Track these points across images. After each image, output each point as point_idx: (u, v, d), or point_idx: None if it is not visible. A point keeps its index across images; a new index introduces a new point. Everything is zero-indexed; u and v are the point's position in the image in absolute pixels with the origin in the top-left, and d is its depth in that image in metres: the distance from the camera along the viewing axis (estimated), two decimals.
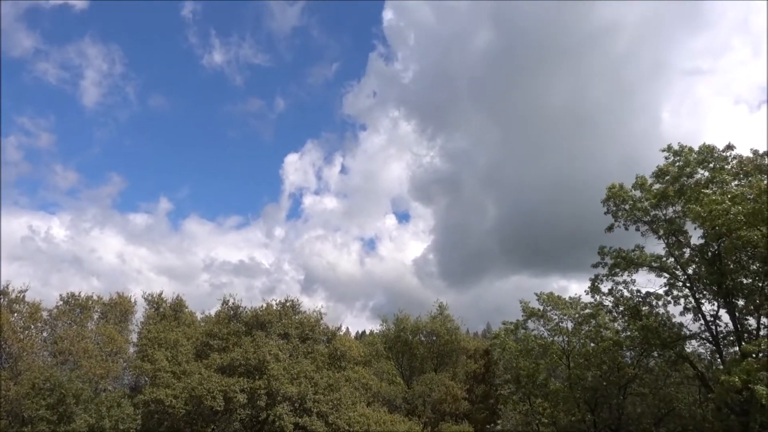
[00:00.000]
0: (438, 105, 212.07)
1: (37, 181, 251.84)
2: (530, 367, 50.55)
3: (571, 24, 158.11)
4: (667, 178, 38.03)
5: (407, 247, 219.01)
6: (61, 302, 47.87)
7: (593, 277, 41.82)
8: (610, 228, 40.26)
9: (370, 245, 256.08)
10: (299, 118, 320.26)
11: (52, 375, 39.12)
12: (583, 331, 48.19)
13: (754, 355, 30.97)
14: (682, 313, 39.54)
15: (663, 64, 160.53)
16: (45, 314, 46.33)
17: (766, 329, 34.40)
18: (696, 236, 37.68)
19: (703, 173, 36.86)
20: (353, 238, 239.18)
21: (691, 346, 41.44)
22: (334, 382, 43.73)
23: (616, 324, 43.71)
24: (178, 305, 50.71)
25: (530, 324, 52.12)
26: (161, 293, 50.55)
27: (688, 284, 38.65)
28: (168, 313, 49.17)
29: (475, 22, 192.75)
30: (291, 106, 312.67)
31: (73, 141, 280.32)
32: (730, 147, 36.24)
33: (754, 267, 34.80)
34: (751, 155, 35.48)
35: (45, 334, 46.58)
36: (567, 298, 50.92)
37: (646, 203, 38.87)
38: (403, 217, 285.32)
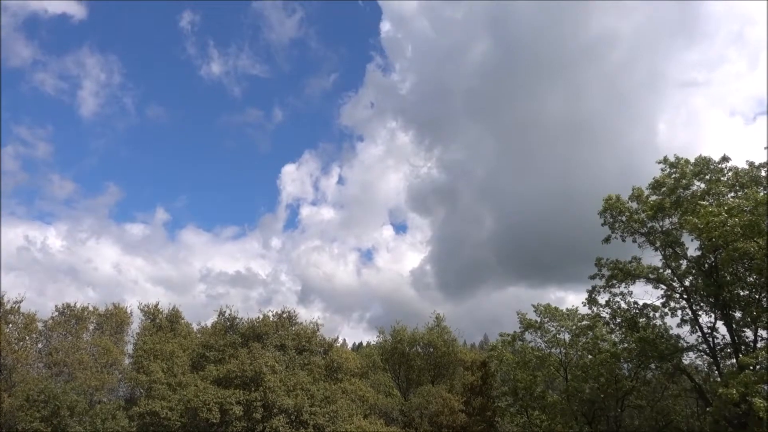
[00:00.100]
0: (435, 116, 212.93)
1: (34, 191, 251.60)
2: (527, 379, 50.36)
3: (568, 36, 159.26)
4: (664, 189, 38.14)
5: (404, 258, 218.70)
6: (56, 313, 47.69)
7: (590, 288, 41.78)
8: (607, 239, 40.27)
9: (367, 256, 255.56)
10: (297, 128, 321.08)
11: (46, 387, 38.89)
12: (580, 343, 48.08)
13: (751, 368, 30.89)
14: (679, 325, 39.49)
15: (659, 76, 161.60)
16: (40, 325, 46.11)
17: (763, 341, 34.34)
18: (693, 248, 37.76)
19: (699, 185, 36.99)
20: (350, 248, 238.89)
21: (689, 358, 41.39)
22: (330, 394, 43.53)
23: (613, 336, 43.62)
24: (175, 316, 50.53)
25: (527, 336, 52.00)
26: (157, 304, 50.45)
27: (685, 296, 38.63)
28: (164, 324, 48.98)
29: (472, 34, 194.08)
30: (289, 116, 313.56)
31: (71, 151, 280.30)
32: (725, 159, 36.44)
33: (751, 279, 34.79)
34: (746, 167, 35.65)
35: (40, 345, 46.32)
36: (564, 310, 50.88)
37: (642, 215, 38.93)
38: (400, 228, 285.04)
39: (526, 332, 51.76)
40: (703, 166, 36.98)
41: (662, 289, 39.68)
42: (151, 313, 49.66)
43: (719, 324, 37.31)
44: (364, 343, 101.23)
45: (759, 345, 34.17)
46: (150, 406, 39.90)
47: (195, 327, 52.31)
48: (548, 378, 51.85)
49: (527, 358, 50.83)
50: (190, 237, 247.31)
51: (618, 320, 41.60)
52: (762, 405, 27.59)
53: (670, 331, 39.62)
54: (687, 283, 38.51)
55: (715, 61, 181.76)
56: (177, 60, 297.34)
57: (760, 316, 33.89)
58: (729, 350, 37.13)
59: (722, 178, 36.07)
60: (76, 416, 38.17)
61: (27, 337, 44.94)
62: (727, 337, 36.78)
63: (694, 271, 37.87)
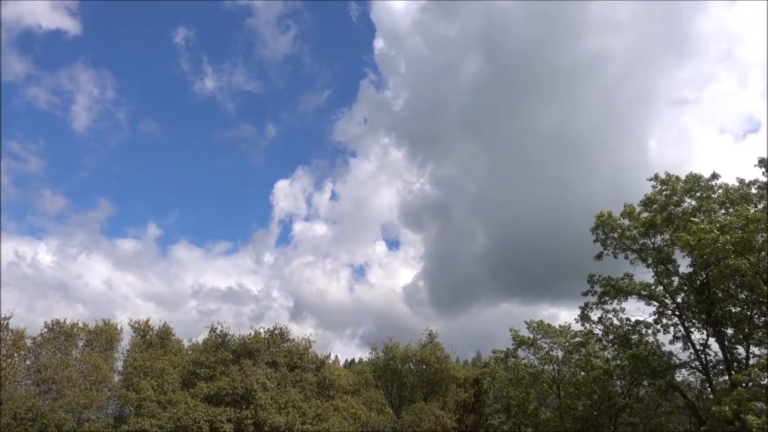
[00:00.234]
0: (428, 132, 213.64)
1: (25, 206, 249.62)
2: (520, 396, 50.14)
3: (560, 53, 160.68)
4: (655, 206, 38.36)
5: (397, 274, 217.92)
6: (45, 329, 47.28)
7: (583, 305, 41.82)
8: (599, 256, 40.40)
9: (359, 272, 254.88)
10: (290, 144, 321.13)
11: (34, 404, 38.39)
12: (573, 360, 48.01)
13: (744, 385, 30.88)
14: (671, 342, 39.50)
15: (650, 94, 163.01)
16: (29, 342, 45.65)
17: (755, 358, 34.36)
18: (684, 265, 37.91)
19: (690, 202, 37.25)
20: (343, 264, 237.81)
21: (681, 375, 41.40)
22: (322, 411, 43.17)
23: (606, 352, 43.56)
24: (165, 333, 50.16)
25: (520, 352, 51.88)
26: (148, 320, 50.10)
27: (677, 313, 38.71)
28: (154, 341, 48.59)
29: (465, 52, 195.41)
30: (282, 132, 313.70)
31: (63, 166, 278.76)
32: (715, 176, 36.81)
33: (743, 295, 34.95)
34: (737, 184, 35.95)
35: (28, 362, 45.82)
36: (557, 326, 50.86)
37: (634, 231, 39.10)
38: (392, 244, 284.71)
39: (519, 349, 51.66)
40: (694, 183, 37.30)
41: (654, 305, 39.76)
42: (142, 330, 49.29)
43: (711, 341, 37.40)
44: (357, 360, 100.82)
45: (751, 362, 34.18)
46: (139, 424, 39.40)
47: (186, 343, 51.93)
48: (541, 395, 51.67)
49: (520, 375, 50.66)
50: (182, 252, 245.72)
51: (610, 337, 41.58)
52: (755, 422, 27.54)
53: (663, 348, 39.63)
54: (679, 300, 38.61)
55: (704, 80, 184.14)
56: (171, 75, 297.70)
57: (752, 333, 33.96)
58: (721, 367, 37.14)
59: (713, 195, 36.35)
60: None
61: (15, 354, 44.43)
62: (720, 354, 36.81)
63: (686, 287, 37.99)
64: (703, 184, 37.00)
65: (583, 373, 46.52)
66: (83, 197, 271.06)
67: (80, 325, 48.98)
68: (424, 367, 58.28)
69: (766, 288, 30.69)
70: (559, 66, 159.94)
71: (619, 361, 41.18)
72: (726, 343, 36.12)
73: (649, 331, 40.28)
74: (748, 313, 34.74)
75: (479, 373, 58.43)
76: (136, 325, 49.43)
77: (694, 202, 36.92)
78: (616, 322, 41.23)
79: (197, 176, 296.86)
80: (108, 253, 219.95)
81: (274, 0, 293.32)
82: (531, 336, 51.01)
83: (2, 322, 44.02)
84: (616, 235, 39.64)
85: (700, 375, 39.61)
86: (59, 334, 47.37)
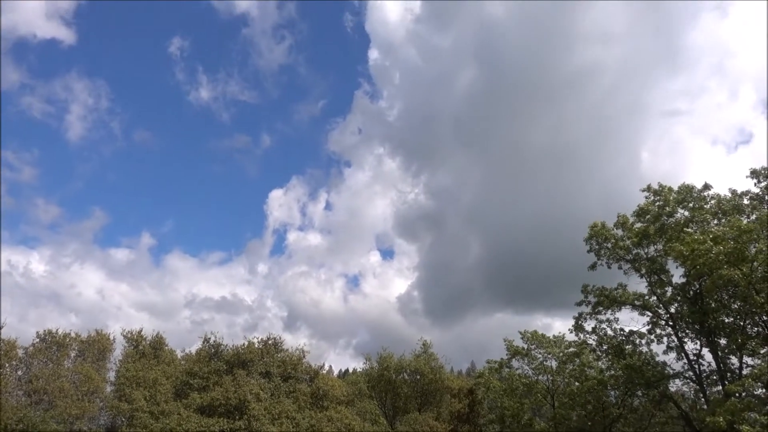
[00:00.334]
0: (422, 143, 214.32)
1: (18, 216, 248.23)
2: (515, 406, 50.02)
3: (553, 65, 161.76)
4: (648, 217, 38.59)
5: (391, 284, 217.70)
6: (37, 339, 46.93)
7: (577, 315, 41.94)
8: (593, 266, 40.54)
9: (354, 282, 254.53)
10: (285, 154, 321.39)
11: (25, 415, 38.07)
12: (567, 370, 47.97)
13: (737, 395, 30.97)
14: (665, 352, 39.57)
15: (642, 105, 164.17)
16: (20, 352, 45.33)
17: (748, 368, 34.46)
18: (677, 275, 38.07)
19: (682, 212, 37.50)
20: (337, 274, 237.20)
21: (675, 385, 41.44)
22: (316, 422, 42.98)
23: (600, 363, 43.60)
24: (158, 343, 49.90)
25: (514, 362, 51.79)
26: (141, 330, 49.82)
27: (670, 323, 38.82)
28: (147, 351, 48.32)
29: (459, 63, 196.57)
30: (277, 142, 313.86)
31: (56, 175, 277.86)
32: (707, 187, 37.14)
33: (736, 306, 35.08)
34: (729, 195, 36.22)
35: (20, 372, 45.47)
36: (551, 336, 50.84)
37: (627, 242, 39.27)
38: (387, 254, 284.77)
39: (513, 359, 51.59)
40: (686, 194, 37.57)
41: (648, 315, 39.85)
42: (135, 340, 49.01)
43: (705, 351, 37.50)
44: (351, 370, 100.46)
45: (745, 372, 34.29)
46: None
47: (179, 354, 51.67)
48: (535, 405, 51.56)
49: (514, 386, 50.58)
50: (176, 262, 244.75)
51: (604, 347, 41.64)
52: None
53: (657, 358, 39.71)
54: (672, 310, 38.74)
55: (696, 92, 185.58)
56: (166, 85, 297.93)
57: (746, 343, 34.07)
58: (715, 377, 37.23)
59: (705, 206, 36.61)
60: None
61: (6, 364, 44.13)
62: (713, 364, 36.93)
63: (679, 298, 38.13)
64: (695, 194, 37.30)
65: (577, 384, 46.47)
66: (77, 206, 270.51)
67: (72, 335, 48.67)
68: (419, 377, 58.11)
69: (759, 298, 30.84)
70: (552, 77, 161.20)
71: (613, 372, 41.21)
72: (719, 353, 36.25)
73: (643, 342, 40.38)
74: (741, 324, 34.85)
75: (473, 383, 58.31)
76: (129, 335, 49.16)
77: (686, 213, 37.20)
78: (610, 332, 41.32)
79: (191, 186, 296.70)
80: (101, 263, 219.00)
81: (270, 10, 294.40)
82: (525, 346, 50.99)
83: None
84: (609, 245, 39.80)
85: (694, 385, 39.68)
86: (51, 344, 47.04)
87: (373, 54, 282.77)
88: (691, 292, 37.29)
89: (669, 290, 38.86)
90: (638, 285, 39.81)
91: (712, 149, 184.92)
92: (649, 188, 39.25)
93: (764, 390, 31.21)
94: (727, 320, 36.10)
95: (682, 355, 38.47)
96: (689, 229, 35.28)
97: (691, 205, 37.19)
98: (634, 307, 39.80)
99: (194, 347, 50.27)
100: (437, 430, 51.48)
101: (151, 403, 42.17)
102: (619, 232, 39.89)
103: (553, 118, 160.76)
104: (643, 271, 38.96)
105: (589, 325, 41.75)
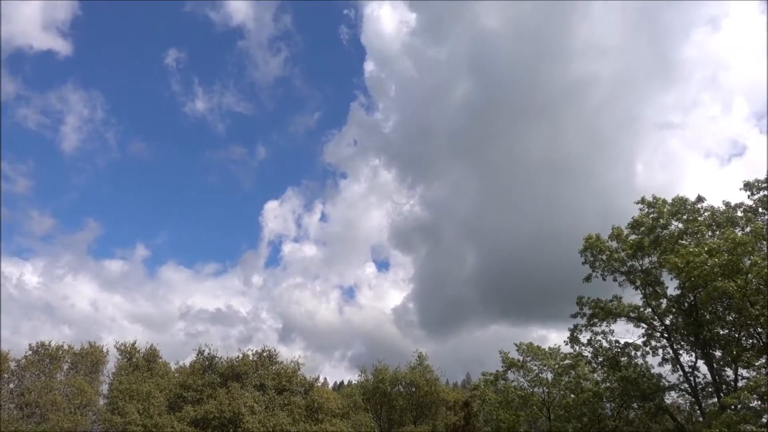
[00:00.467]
0: (418, 154, 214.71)
1: (12, 227, 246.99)
2: (510, 419, 49.83)
3: (548, 78, 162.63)
4: (642, 229, 38.76)
5: (387, 296, 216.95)
6: (30, 352, 46.57)
7: (572, 327, 41.94)
8: (588, 278, 40.61)
9: (349, 294, 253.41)
10: (280, 165, 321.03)
11: (17, 429, 37.72)
12: (563, 382, 47.88)
13: (733, 407, 30.95)
14: (660, 364, 39.65)
15: (636, 118, 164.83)
16: (13, 364, 45.00)
17: (744, 381, 34.47)
18: (672, 287, 38.15)
19: (677, 225, 37.69)
20: (332, 286, 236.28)
21: (671, 397, 41.40)
22: None
23: (595, 375, 43.57)
24: (152, 355, 49.59)
25: (510, 375, 51.72)
26: (134, 342, 49.52)
27: (665, 335, 38.88)
28: (141, 364, 48.01)
29: (454, 75, 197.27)
30: (272, 153, 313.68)
31: (51, 186, 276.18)
32: (700, 199, 37.43)
33: (730, 318, 35.17)
34: (723, 207, 36.42)
35: (12, 385, 45.09)
36: (546, 348, 50.83)
37: (622, 254, 39.40)
38: (382, 266, 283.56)
39: (509, 371, 51.52)
40: (680, 206, 37.81)
41: (643, 327, 39.94)
42: (128, 352, 48.70)
43: (700, 363, 37.55)
44: (346, 383, 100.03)
45: (740, 384, 34.30)
46: None
47: (173, 366, 51.42)
48: (531, 418, 51.39)
49: (510, 398, 50.44)
50: (170, 274, 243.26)
51: (600, 359, 41.66)
52: None
53: (652, 370, 39.76)
54: (667, 322, 38.79)
55: (689, 105, 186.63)
56: (161, 97, 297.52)
57: (741, 356, 34.12)
58: (710, 389, 37.23)
59: (699, 218, 36.82)
60: None
61: None
62: (708, 376, 36.94)
63: (674, 309, 38.21)
64: (689, 207, 37.54)
65: (572, 396, 46.36)
66: (71, 218, 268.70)
67: (65, 347, 48.33)
68: (414, 389, 57.87)
69: (753, 310, 30.91)
70: (547, 90, 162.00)
71: (608, 384, 41.18)
72: (715, 365, 36.28)
73: (638, 354, 40.45)
74: (736, 336, 34.94)
75: (469, 395, 58.15)
76: (123, 347, 48.86)
77: (680, 225, 37.41)
78: (605, 344, 41.36)
79: (186, 197, 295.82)
80: (95, 274, 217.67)
81: (266, 22, 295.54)
82: (521, 358, 50.95)
83: None
84: (604, 257, 39.92)
85: (690, 397, 39.66)
86: (44, 356, 46.69)
87: (369, 66, 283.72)
88: (686, 304, 37.40)
89: (664, 302, 38.94)
90: (633, 297, 39.96)
91: (706, 162, 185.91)
92: (643, 200, 39.48)
93: (760, 402, 31.16)
94: (722, 332, 36.20)
95: (678, 367, 38.51)
96: (684, 241, 35.41)
97: (685, 217, 37.43)
98: (629, 319, 39.86)
99: (188, 359, 50.06)
100: None
101: (144, 416, 41.87)
102: (614, 244, 40.03)
103: (547, 131, 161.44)
104: (638, 283, 39.05)
105: (584, 337, 41.82)
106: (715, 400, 35.97)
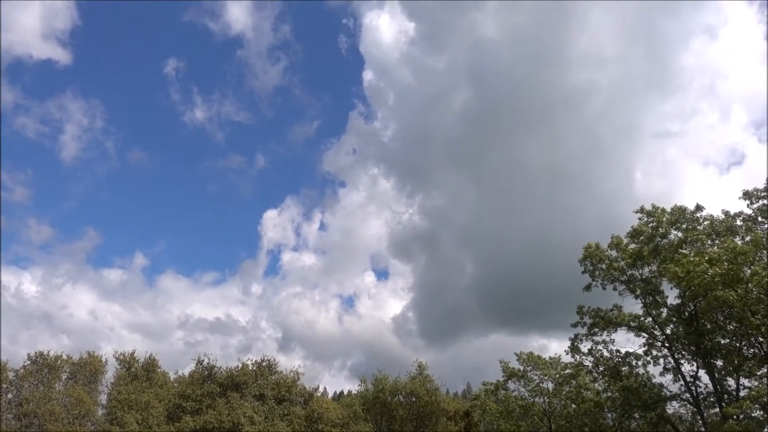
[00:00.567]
0: (417, 163, 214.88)
1: (11, 236, 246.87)
2: (511, 429, 49.59)
3: (547, 87, 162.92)
4: (642, 238, 38.69)
5: (386, 305, 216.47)
6: (28, 362, 46.41)
7: (573, 336, 41.78)
8: (587, 287, 40.51)
9: (348, 303, 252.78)
10: (279, 174, 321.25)
11: None
12: (564, 392, 47.67)
13: (735, 417, 30.79)
14: (662, 374, 39.45)
15: (635, 126, 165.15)
16: (11, 374, 44.82)
17: (745, 390, 34.32)
18: (672, 296, 38.05)
19: (676, 234, 37.63)
20: (332, 295, 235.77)
21: (672, 407, 41.10)
22: None
23: (596, 384, 43.38)
24: (151, 365, 49.42)
25: (511, 384, 51.51)
26: (133, 352, 49.36)
27: (666, 344, 38.73)
28: (140, 373, 47.83)
29: (452, 84, 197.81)
30: (271, 162, 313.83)
31: (50, 195, 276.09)
32: (699, 208, 37.44)
33: (731, 327, 35.04)
34: (722, 216, 36.39)
35: (10, 395, 44.89)
36: (547, 358, 50.64)
37: (622, 263, 39.32)
38: (381, 275, 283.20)
39: (510, 381, 51.31)
40: (679, 215, 37.79)
41: (644, 337, 39.78)
42: (127, 362, 48.52)
43: (701, 372, 37.38)
44: (346, 392, 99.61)
45: (742, 394, 34.14)
46: None
47: (172, 376, 51.26)
48: (532, 428, 51.09)
49: (511, 408, 50.21)
50: (169, 282, 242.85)
51: (601, 369, 41.46)
52: None
53: (653, 380, 39.57)
54: (668, 332, 38.67)
55: (688, 113, 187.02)
56: (160, 105, 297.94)
57: (742, 365, 33.97)
58: (712, 399, 37.07)
59: (698, 227, 36.77)
60: None
61: None
62: (710, 385, 36.76)
63: (674, 319, 38.09)
64: (688, 216, 37.52)
65: (573, 406, 46.16)
66: (70, 227, 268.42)
67: (64, 357, 48.15)
68: (414, 399, 57.57)
69: (754, 320, 30.82)
70: (545, 99, 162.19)
71: (609, 393, 41.01)
72: (716, 375, 36.12)
73: (639, 363, 40.27)
74: (738, 345, 34.80)
75: (469, 405, 57.93)
76: (121, 357, 48.69)
77: (680, 234, 37.34)
78: (606, 353, 41.17)
79: (185, 206, 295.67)
80: (94, 283, 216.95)
81: (265, 32, 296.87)
82: (521, 368, 50.76)
83: None
84: (604, 266, 39.83)
85: (691, 407, 39.43)
86: (42, 366, 46.50)
87: (368, 75, 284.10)
88: (687, 314, 37.29)
89: (664, 311, 38.83)
90: (633, 306, 39.81)
91: (704, 170, 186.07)
92: (642, 209, 39.44)
93: (762, 412, 31.03)
94: (723, 341, 36.07)
95: (679, 376, 38.34)
96: (684, 251, 35.35)
97: (684, 226, 37.38)
98: (629, 328, 39.72)
99: (187, 369, 49.88)
100: None
101: (143, 426, 41.68)
102: (614, 253, 39.95)
103: (546, 139, 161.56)
104: (638, 292, 38.96)
105: (585, 347, 41.64)
106: (717, 410, 35.80)
